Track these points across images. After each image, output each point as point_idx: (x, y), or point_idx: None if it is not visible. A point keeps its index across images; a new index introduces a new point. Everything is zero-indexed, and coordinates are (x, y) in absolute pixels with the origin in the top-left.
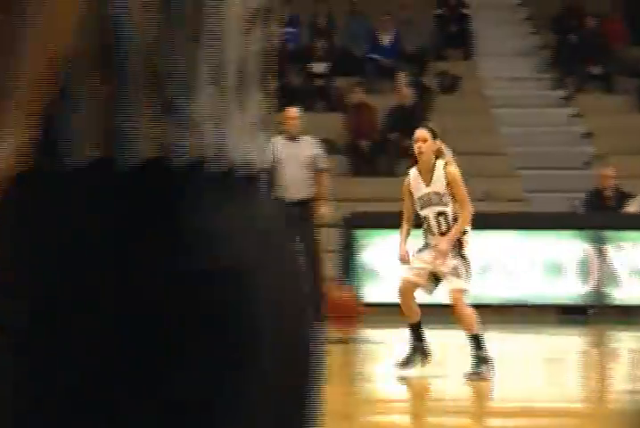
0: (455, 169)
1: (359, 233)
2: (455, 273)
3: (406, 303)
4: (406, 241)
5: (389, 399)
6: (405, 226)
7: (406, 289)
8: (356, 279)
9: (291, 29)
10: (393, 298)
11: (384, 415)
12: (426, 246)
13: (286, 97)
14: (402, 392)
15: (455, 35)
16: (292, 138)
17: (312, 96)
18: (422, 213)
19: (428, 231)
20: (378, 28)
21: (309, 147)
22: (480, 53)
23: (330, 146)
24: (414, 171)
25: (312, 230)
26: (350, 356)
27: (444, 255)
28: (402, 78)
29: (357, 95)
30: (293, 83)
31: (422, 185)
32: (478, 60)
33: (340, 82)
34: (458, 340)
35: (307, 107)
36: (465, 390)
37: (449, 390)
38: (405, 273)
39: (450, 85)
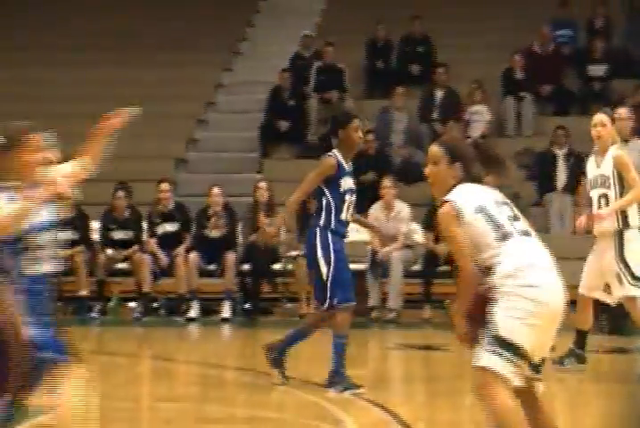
0: (622, 153)
1: None
2: (620, 280)
3: (582, 312)
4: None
5: None
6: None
7: (584, 300)
8: None
9: (567, 32)
10: None
11: None
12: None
13: (564, 101)
14: None
15: None
16: (625, 141)
17: (590, 99)
18: (590, 194)
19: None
20: None
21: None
22: None
23: None
24: (592, 155)
25: None
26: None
27: (601, 218)
28: None
29: (638, 98)
30: (571, 86)
31: (595, 166)
32: None
33: (618, 84)
34: None
35: (585, 110)
36: None
37: None
38: (581, 287)
39: None
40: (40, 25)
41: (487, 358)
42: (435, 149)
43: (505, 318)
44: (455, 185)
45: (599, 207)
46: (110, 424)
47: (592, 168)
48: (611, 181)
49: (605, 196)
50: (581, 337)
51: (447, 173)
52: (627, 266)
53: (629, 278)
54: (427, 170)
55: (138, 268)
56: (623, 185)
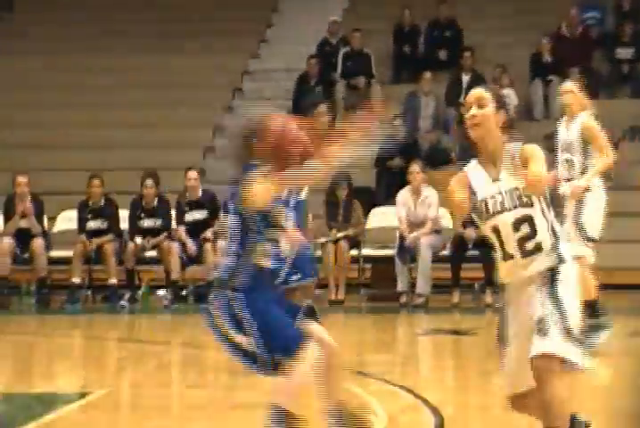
0: (592, 124)
1: None
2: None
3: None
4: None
5: None
6: None
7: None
8: None
9: (595, 14)
10: None
11: None
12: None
13: (592, 84)
14: None
15: None
16: None
17: (618, 82)
18: (559, 157)
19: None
20: None
21: None
22: None
23: (636, 133)
24: (562, 120)
25: None
26: None
27: (574, 196)
28: None
29: None
30: (599, 69)
31: (565, 130)
32: None
33: None
34: None
35: (614, 93)
36: None
37: None
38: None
39: None
40: (68, 13)
41: (562, 346)
42: (482, 92)
43: (574, 306)
44: (501, 134)
45: (565, 171)
46: (141, 411)
47: (563, 133)
48: (575, 147)
49: (570, 161)
50: (589, 306)
51: (495, 118)
52: (581, 228)
53: (580, 240)
54: (472, 112)
55: (167, 256)
56: (586, 152)
